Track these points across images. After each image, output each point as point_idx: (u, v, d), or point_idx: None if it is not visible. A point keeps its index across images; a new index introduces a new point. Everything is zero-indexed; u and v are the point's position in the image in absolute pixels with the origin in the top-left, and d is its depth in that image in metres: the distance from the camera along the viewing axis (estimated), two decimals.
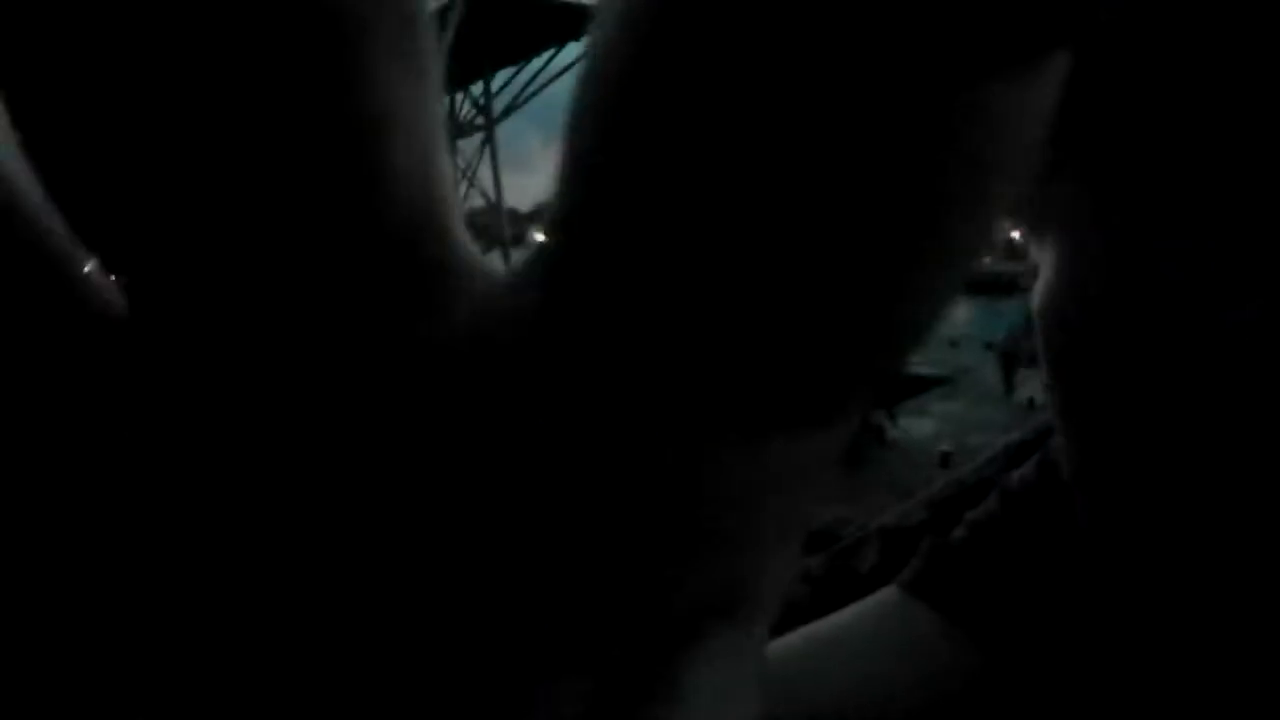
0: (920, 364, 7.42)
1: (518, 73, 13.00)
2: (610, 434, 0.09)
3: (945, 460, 5.61)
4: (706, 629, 0.10)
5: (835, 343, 0.08)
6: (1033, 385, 7.74)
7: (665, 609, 0.10)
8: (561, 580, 0.09)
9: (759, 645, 0.11)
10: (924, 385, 7.59)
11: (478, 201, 13.83)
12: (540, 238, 0.09)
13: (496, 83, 13.19)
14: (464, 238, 0.09)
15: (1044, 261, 0.30)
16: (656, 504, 0.09)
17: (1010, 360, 7.93)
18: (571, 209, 0.09)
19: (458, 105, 13.28)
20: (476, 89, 13.17)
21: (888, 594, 0.40)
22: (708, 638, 0.10)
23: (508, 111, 13.39)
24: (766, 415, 0.09)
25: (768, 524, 0.10)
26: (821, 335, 0.08)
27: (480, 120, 13.28)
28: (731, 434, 0.09)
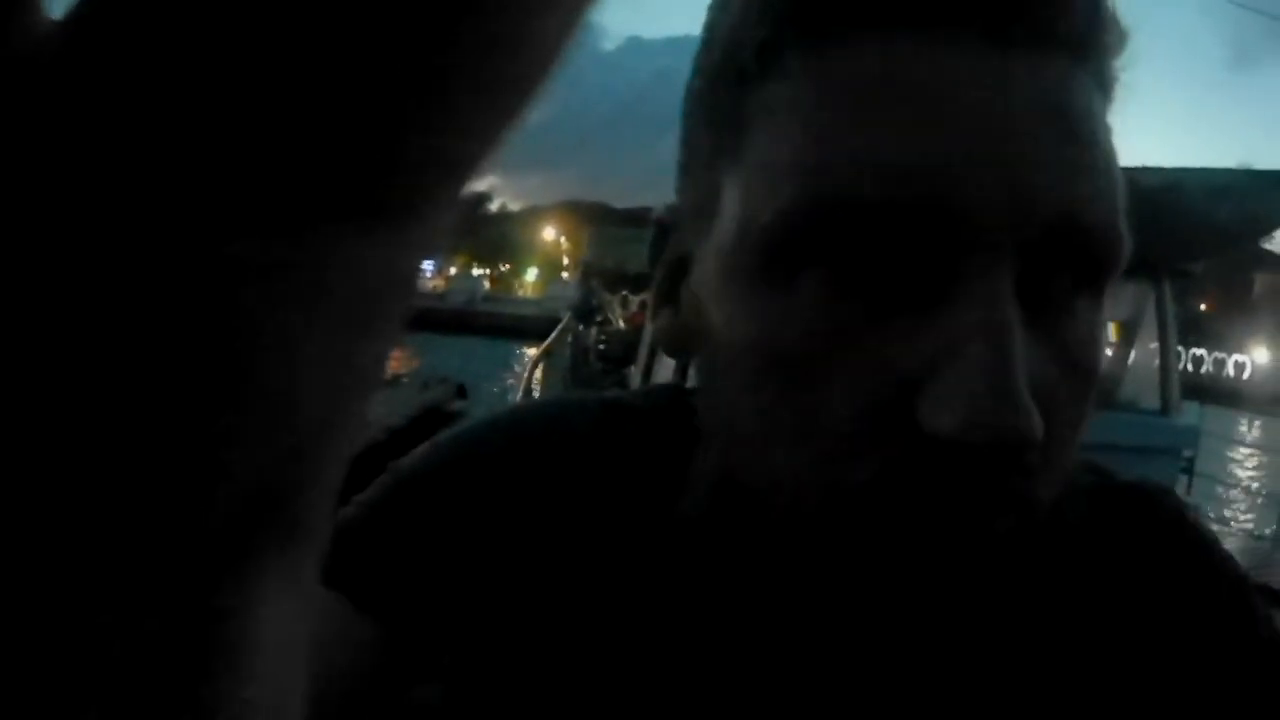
0: None
1: None
2: (126, 208, 0.07)
3: None
4: (257, 549, 0.09)
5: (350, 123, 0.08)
6: None
7: (208, 516, 0.08)
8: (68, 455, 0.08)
9: (314, 573, 0.10)
10: None
11: None
12: None
13: None
14: None
15: None
16: (185, 319, 0.08)
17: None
18: None
19: None
20: None
21: None
22: (260, 559, 0.09)
23: None
24: (302, 201, 0.08)
25: (320, 379, 0.09)
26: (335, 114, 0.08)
27: None
28: (268, 223, 0.08)
